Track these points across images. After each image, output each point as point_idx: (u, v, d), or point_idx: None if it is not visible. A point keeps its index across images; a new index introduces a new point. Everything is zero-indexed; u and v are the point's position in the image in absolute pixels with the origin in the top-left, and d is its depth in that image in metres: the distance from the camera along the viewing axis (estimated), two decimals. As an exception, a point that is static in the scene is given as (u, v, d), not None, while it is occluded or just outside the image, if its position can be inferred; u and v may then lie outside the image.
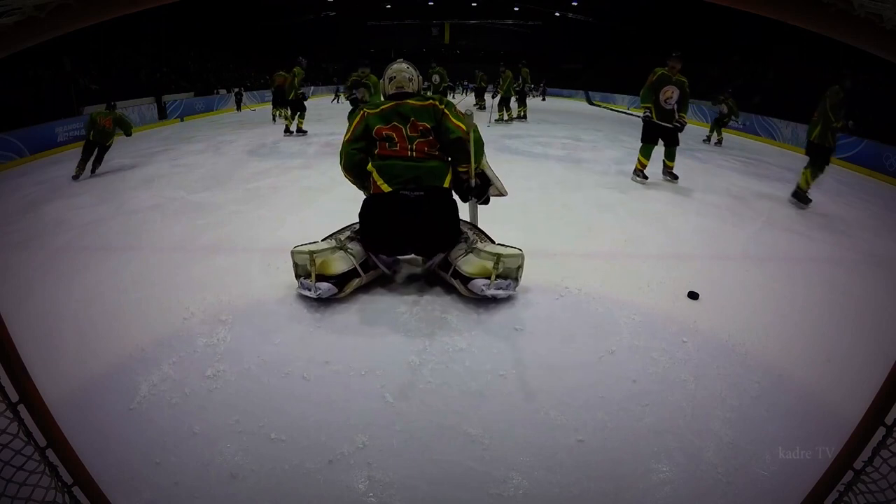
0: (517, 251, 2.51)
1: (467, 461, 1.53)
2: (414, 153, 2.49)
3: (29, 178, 5.80)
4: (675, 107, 5.11)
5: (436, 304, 2.50)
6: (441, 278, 2.67)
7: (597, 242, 3.55)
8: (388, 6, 28.70)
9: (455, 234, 2.61)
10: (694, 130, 9.47)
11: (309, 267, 2.43)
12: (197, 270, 2.91)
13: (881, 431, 0.98)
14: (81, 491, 1.06)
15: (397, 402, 1.78)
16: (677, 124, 5.10)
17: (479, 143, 2.58)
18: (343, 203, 4.06)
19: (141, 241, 3.47)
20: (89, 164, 5.82)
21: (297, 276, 2.54)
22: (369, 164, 2.53)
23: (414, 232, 2.49)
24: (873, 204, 5.34)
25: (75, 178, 5.59)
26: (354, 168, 2.59)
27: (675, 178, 5.38)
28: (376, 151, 2.53)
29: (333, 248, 2.51)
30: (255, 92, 16.90)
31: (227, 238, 3.50)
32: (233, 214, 4.04)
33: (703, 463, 1.54)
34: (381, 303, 2.52)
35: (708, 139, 9.53)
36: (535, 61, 28.98)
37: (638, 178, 5.42)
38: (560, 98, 24.57)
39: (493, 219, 2.93)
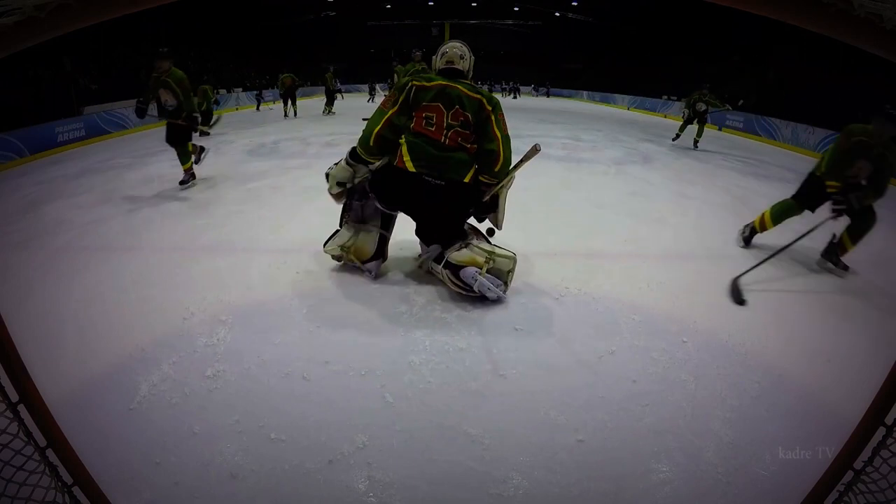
0: (510, 254, 2.53)
1: (467, 461, 1.53)
2: (447, 141, 2.46)
3: (29, 178, 5.79)
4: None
5: (436, 304, 2.50)
6: (436, 276, 2.68)
7: (597, 242, 3.55)
8: (388, 6, 28.70)
9: (459, 231, 2.63)
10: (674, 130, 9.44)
11: (347, 258, 2.76)
12: (197, 270, 2.91)
13: (881, 431, 0.98)
14: (81, 491, 1.06)
15: (397, 402, 1.78)
16: (853, 198, 3.09)
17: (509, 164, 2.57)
18: (343, 203, 4.07)
19: (141, 241, 3.47)
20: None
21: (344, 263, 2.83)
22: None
23: (424, 215, 2.60)
24: (873, 204, 5.33)
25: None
26: (386, 140, 2.49)
27: (845, 269, 3.20)
28: (412, 125, 2.48)
29: (355, 233, 2.74)
30: (253, 92, 16.98)
31: (227, 238, 3.50)
32: (233, 214, 4.04)
33: (703, 463, 1.54)
34: (381, 303, 2.52)
35: (677, 136, 8.90)
36: (535, 61, 29.14)
37: (743, 237, 3.60)
38: (560, 98, 24.62)
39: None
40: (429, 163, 2.43)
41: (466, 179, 2.51)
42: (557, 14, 27.61)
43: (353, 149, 2.59)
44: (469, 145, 2.51)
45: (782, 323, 2.44)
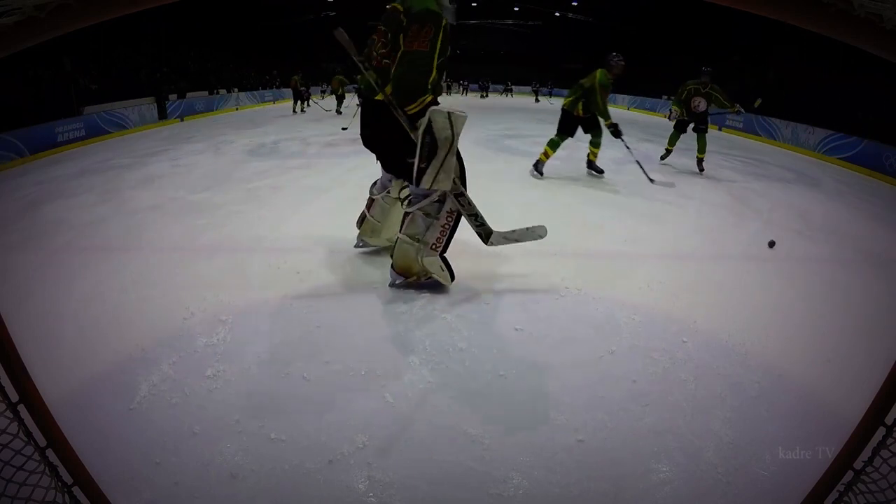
0: (448, 279, 2.56)
1: (467, 461, 1.53)
2: (376, 64, 2.33)
3: (29, 178, 5.79)
4: None
5: (436, 304, 2.50)
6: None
7: (597, 242, 3.55)
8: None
9: (397, 158, 2.41)
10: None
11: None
12: (197, 270, 2.91)
13: (881, 431, 0.98)
14: (81, 491, 1.06)
15: (397, 402, 1.78)
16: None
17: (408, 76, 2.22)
18: (343, 203, 4.06)
19: (141, 241, 3.47)
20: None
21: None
22: None
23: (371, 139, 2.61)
24: (873, 204, 5.34)
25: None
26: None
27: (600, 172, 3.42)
28: None
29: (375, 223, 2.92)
30: (254, 91, 17.07)
31: (227, 238, 3.50)
32: (233, 214, 4.04)
33: (703, 463, 1.54)
34: (381, 303, 2.52)
35: (666, 154, 6.77)
36: (536, 61, 29.10)
37: (538, 171, 3.83)
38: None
39: (492, 219, 2.92)
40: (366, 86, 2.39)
41: (379, 97, 2.25)
42: (557, 14, 27.58)
43: None
44: (389, 62, 2.26)
45: (782, 323, 2.44)
